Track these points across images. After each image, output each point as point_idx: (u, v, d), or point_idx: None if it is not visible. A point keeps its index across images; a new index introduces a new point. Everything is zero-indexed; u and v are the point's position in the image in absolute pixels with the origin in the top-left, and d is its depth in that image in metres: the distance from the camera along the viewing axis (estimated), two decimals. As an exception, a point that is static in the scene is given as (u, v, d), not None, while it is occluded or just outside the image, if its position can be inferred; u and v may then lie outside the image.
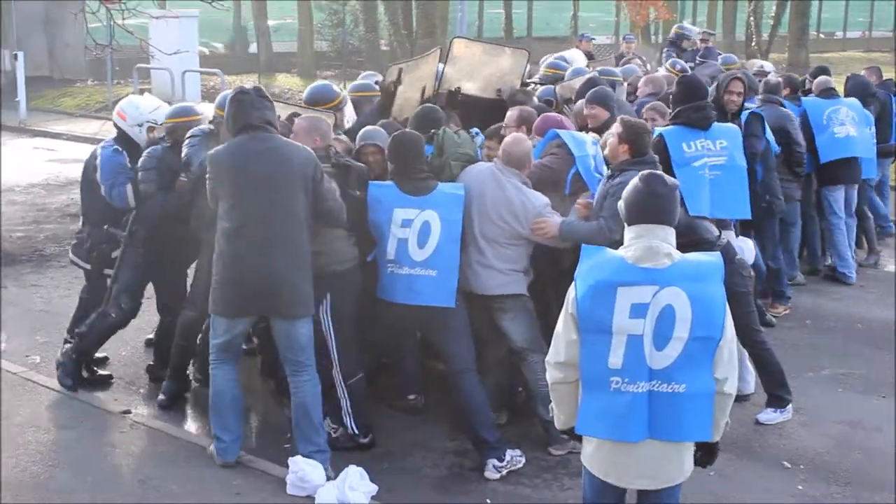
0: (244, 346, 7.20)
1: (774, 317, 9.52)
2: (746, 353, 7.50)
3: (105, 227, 7.74)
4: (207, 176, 6.32)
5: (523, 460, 6.65)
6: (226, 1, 10.78)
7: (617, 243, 4.68)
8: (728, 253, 7.06)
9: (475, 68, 8.75)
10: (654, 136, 7.30)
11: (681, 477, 4.55)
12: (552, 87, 9.63)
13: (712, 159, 7.63)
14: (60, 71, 28.08)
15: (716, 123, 7.84)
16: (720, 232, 7.27)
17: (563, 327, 4.49)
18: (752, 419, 7.37)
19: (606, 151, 6.75)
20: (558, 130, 7.28)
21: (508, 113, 7.63)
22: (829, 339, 9.25)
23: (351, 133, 7.69)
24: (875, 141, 11.03)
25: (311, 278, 6.29)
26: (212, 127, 7.37)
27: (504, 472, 6.55)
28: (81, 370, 7.69)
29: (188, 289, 7.65)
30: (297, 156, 6.24)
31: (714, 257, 4.55)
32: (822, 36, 42.47)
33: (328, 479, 6.10)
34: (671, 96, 8.36)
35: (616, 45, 24.87)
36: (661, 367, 4.35)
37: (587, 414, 4.47)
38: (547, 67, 10.76)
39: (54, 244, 12.17)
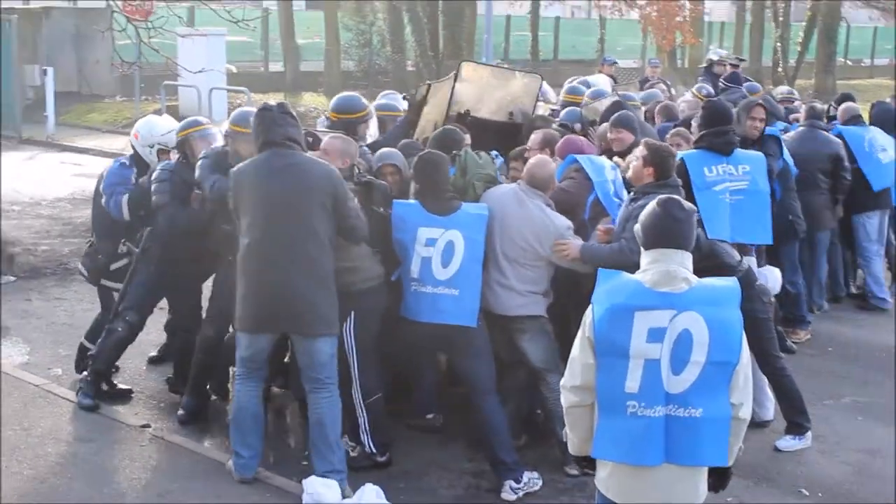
0: None
1: (795, 342, 9.48)
2: (766, 380, 7.48)
3: (122, 241, 7.81)
4: (230, 192, 6.35)
5: (540, 482, 6.64)
6: (252, 21, 10.81)
7: (638, 265, 4.70)
8: (749, 278, 7.05)
9: (485, 91, 8.76)
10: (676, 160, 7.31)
11: (696, 501, 4.54)
12: (576, 109, 9.65)
13: (734, 184, 7.64)
14: (89, 87, 28.31)
15: (739, 149, 7.84)
16: (741, 257, 7.27)
17: (580, 351, 4.50)
18: (770, 446, 7.33)
19: (630, 174, 6.77)
20: (576, 156, 7.30)
21: (532, 136, 7.66)
22: (851, 366, 9.20)
23: (372, 148, 7.74)
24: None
25: (334, 296, 6.29)
26: (225, 146, 7.40)
27: (521, 493, 6.54)
28: (100, 389, 7.72)
29: (202, 305, 7.70)
30: (318, 172, 6.26)
31: (731, 282, 4.56)
32: (849, 63, 42.43)
33: (344, 497, 6.10)
34: (696, 120, 8.36)
35: (642, 69, 24.88)
36: (678, 392, 4.36)
37: (603, 438, 4.47)
38: (566, 94, 10.78)
39: (79, 258, 12.17)
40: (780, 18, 35.57)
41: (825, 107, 10.90)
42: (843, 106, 11.02)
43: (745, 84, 13.26)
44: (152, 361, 8.64)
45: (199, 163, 7.29)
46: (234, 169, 6.37)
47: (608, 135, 8.21)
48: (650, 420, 4.36)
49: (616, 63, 17.28)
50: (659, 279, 4.42)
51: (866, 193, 10.49)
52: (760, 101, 9.36)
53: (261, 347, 6.40)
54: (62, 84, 25.26)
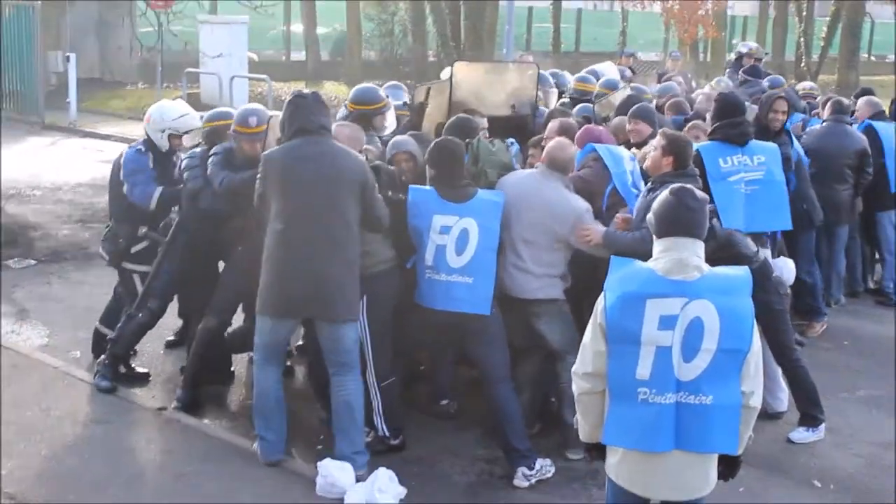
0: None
1: (810, 335, 9.49)
2: (780, 371, 7.50)
3: (143, 230, 7.87)
4: (259, 177, 6.38)
5: (553, 470, 6.68)
6: (270, 8, 10.86)
7: None
8: (765, 270, 7.07)
9: (482, 88, 8.75)
10: (691, 151, 7.33)
11: (706, 489, 4.57)
12: (588, 105, 9.66)
13: (749, 174, 7.65)
14: (111, 73, 28.49)
15: (754, 140, 7.85)
16: (758, 248, 7.27)
17: (591, 338, 4.53)
18: (783, 437, 7.35)
19: (647, 164, 6.78)
20: (595, 144, 7.32)
21: (550, 124, 7.70)
22: (867, 361, 9.19)
23: (385, 143, 7.78)
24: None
25: (358, 282, 6.36)
26: (231, 145, 7.46)
27: (533, 480, 6.58)
28: (118, 372, 7.79)
29: None
30: (350, 161, 6.32)
31: (742, 271, 4.58)
32: (873, 58, 42.21)
33: (358, 480, 6.16)
34: (710, 112, 8.37)
35: (664, 62, 24.84)
36: (689, 379, 4.38)
37: (614, 424, 4.50)
38: (577, 82, 10.78)
39: (99, 243, 12.30)
40: (804, 13, 35.43)
41: (851, 101, 10.85)
42: (865, 99, 10.98)
43: (768, 78, 13.23)
44: (169, 345, 8.72)
45: (210, 159, 7.36)
46: (266, 154, 6.40)
47: (626, 126, 8.22)
48: (661, 407, 4.38)
49: (634, 55, 17.25)
50: (671, 267, 4.44)
51: (889, 191, 10.47)
52: (782, 94, 9.36)
53: (282, 333, 6.47)
54: (85, 71, 25.42)
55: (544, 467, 6.65)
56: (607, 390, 4.49)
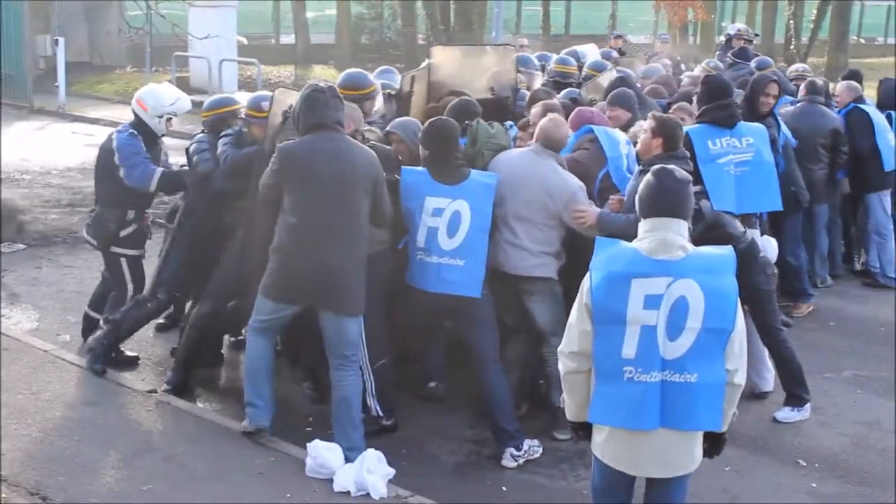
0: None
1: (796, 316, 9.56)
2: (767, 351, 7.56)
3: (131, 213, 7.89)
4: (272, 168, 6.38)
5: (540, 450, 6.74)
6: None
7: None
8: (752, 250, 7.12)
9: (461, 72, 8.77)
10: (679, 134, 7.36)
11: (691, 466, 4.62)
12: (575, 90, 9.68)
13: (738, 156, 7.70)
14: (100, 57, 28.37)
15: (742, 122, 7.89)
16: (745, 229, 7.32)
17: (577, 317, 4.57)
18: (769, 417, 7.43)
19: (638, 147, 6.83)
20: (593, 126, 7.36)
21: (533, 109, 7.72)
22: (852, 341, 9.27)
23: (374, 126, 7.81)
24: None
25: (364, 278, 6.42)
26: (243, 128, 7.51)
27: (521, 461, 6.65)
28: (111, 355, 7.82)
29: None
30: (364, 158, 6.37)
31: (726, 250, 4.62)
32: (862, 41, 42.15)
33: (347, 460, 6.20)
34: (696, 95, 8.41)
35: (653, 44, 24.82)
36: (674, 358, 4.43)
37: (600, 403, 4.54)
38: (557, 64, 10.76)
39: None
40: (794, -5, 35.40)
41: (825, 82, 10.91)
42: (845, 84, 10.97)
43: (755, 59, 13.26)
44: (159, 329, 8.74)
45: (221, 139, 7.42)
46: (283, 145, 6.40)
47: (606, 113, 8.24)
48: (647, 385, 4.43)
49: (623, 37, 17.25)
50: (656, 247, 4.48)
51: (881, 171, 10.53)
52: (775, 78, 9.41)
53: (282, 317, 6.52)
54: (73, 54, 25.31)
55: (532, 448, 6.71)
56: (593, 369, 4.54)
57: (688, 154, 6.86)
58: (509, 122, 7.82)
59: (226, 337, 8.35)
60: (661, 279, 4.41)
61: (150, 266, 8.06)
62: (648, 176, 4.67)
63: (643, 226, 4.60)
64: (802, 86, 10.57)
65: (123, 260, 7.95)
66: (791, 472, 6.73)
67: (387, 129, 7.37)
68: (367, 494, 5.98)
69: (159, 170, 7.79)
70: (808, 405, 7.48)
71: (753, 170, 7.75)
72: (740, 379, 4.52)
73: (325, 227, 6.24)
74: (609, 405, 4.52)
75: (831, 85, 11.28)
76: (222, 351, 8.23)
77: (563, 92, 9.50)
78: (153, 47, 23.31)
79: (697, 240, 4.68)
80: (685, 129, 7.68)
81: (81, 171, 15.84)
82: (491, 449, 6.79)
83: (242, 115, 7.64)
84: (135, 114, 7.98)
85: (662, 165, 4.76)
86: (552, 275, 6.86)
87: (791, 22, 33.88)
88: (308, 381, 7.61)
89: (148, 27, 11.16)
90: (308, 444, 6.31)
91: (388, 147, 7.07)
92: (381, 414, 6.92)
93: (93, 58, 28.45)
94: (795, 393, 7.46)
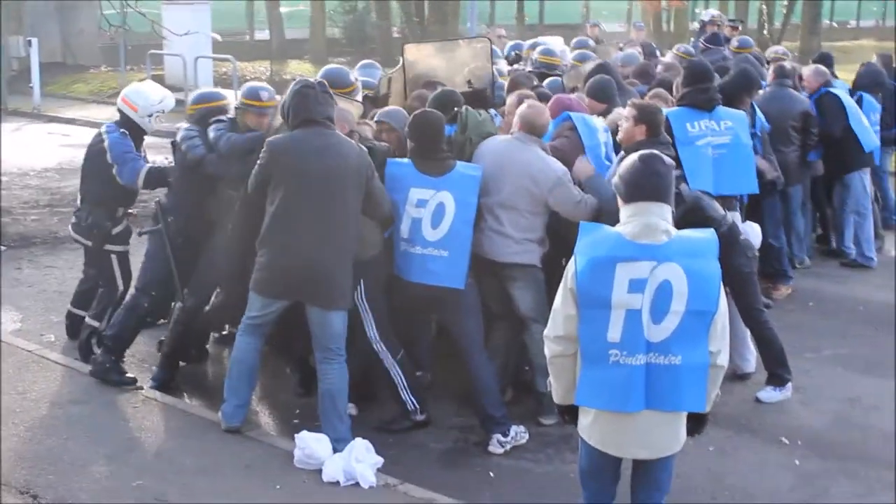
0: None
1: (776, 298, 9.65)
2: (748, 333, 7.64)
3: (121, 211, 7.92)
4: (260, 161, 6.39)
5: (527, 436, 6.80)
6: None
7: None
8: (733, 233, 7.18)
9: (436, 67, 8.80)
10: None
11: (676, 446, 4.67)
12: (558, 79, 9.72)
13: (716, 139, 7.80)
14: (74, 57, 28.24)
15: (721, 107, 7.97)
16: (726, 212, 7.38)
17: (562, 302, 4.60)
18: (752, 397, 7.50)
19: (621, 136, 6.88)
20: (571, 113, 7.41)
21: (509, 99, 7.76)
22: (831, 320, 9.37)
23: None
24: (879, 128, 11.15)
25: (351, 272, 6.46)
26: (233, 116, 7.51)
27: (508, 447, 6.69)
28: (121, 362, 7.70)
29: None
30: (353, 154, 6.40)
31: (709, 234, 4.67)
32: (835, 25, 42.41)
33: (335, 451, 6.24)
34: (678, 79, 8.46)
35: (628, 32, 24.91)
36: (659, 340, 4.47)
37: (586, 386, 4.58)
38: (541, 55, 10.77)
39: (68, 227, 12.22)
40: (766, -20, 35.54)
41: (793, 66, 11.01)
42: (812, 69, 11.01)
43: (737, 38, 13.33)
44: (145, 325, 8.72)
45: (213, 126, 7.39)
46: (271, 140, 6.41)
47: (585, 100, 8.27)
48: (632, 368, 4.47)
49: (598, 26, 17.30)
50: (640, 231, 4.51)
51: (861, 152, 10.62)
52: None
53: (272, 312, 6.54)
54: (46, 55, 25.18)
55: (518, 433, 6.76)
56: (579, 353, 4.58)
57: (670, 140, 6.92)
58: (493, 111, 7.85)
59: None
60: (645, 263, 4.45)
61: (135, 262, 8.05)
62: (634, 160, 4.68)
63: (627, 210, 4.61)
64: (771, 70, 10.66)
65: (113, 257, 7.99)
66: (774, 450, 6.81)
67: (375, 118, 7.37)
68: (357, 484, 6.02)
69: (147, 166, 7.82)
70: (789, 385, 7.56)
71: (731, 153, 7.84)
72: (723, 360, 4.57)
73: (313, 222, 6.26)
74: (595, 388, 4.56)
75: (803, 69, 11.34)
76: (207, 346, 8.24)
77: (547, 81, 9.53)
78: (127, 46, 23.22)
79: (678, 223, 4.71)
80: (665, 111, 7.76)
81: (59, 172, 15.82)
82: (478, 436, 6.84)
83: (229, 111, 7.61)
84: (122, 113, 7.99)
85: (649, 150, 4.80)
86: (535, 262, 6.90)
87: (764, 7, 34.00)
88: (296, 372, 7.63)
89: (125, 25, 11.13)
90: (296, 436, 6.35)
91: (386, 144, 7.07)
92: (416, 407, 6.92)
93: (66, 58, 28.33)
94: (777, 373, 7.54)
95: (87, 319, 8.08)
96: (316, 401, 6.69)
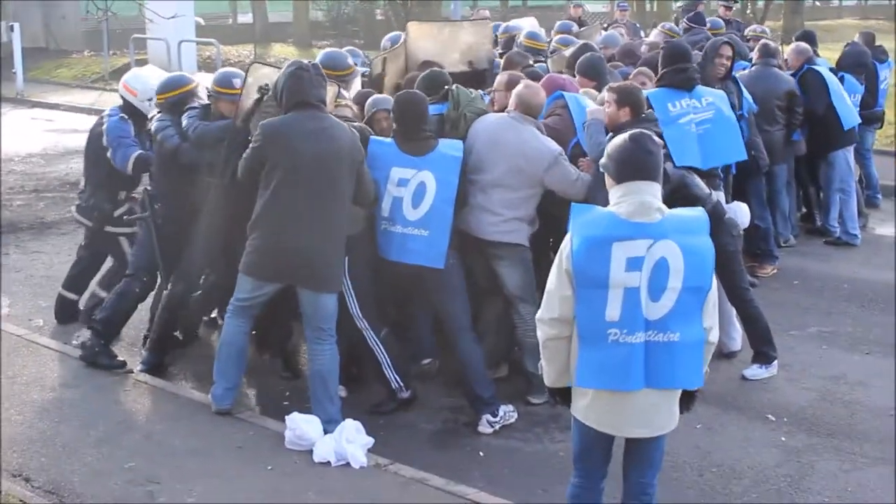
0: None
1: (761, 276, 9.72)
2: (734, 311, 7.70)
3: (122, 194, 8.02)
4: (254, 145, 6.39)
5: (516, 415, 6.84)
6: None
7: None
8: (718, 211, 7.21)
9: (438, 46, 8.83)
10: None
11: (673, 424, 4.69)
12: (542, 65, 9.73)
13: (699, 115, 7.81)
14: (56, 42, 28.13)
15: (701, 86, 8.01)
16: (711, 191, 7.42)
17: (557, 283, 4.57)
18: (738, 375, 7.57)
19: (606, 121, 6.88)
20: (563, 92, 7.44)
21: (498, 77, 7.78)
22: (816, 298, 9.44)
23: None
24: (860, 108, 11.21)
25: (343, 255, 6.50)
26: (207, 101, 7.50)
27: (497, 426, 6.74)
28: (108, 351, 7.70)
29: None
30: (347, 137, 6.41)
31: (699, 212, 4.71)
32: (818, 3, 42.52)
33: (325, 433, 6.29)
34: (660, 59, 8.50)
35: (612, 13, 24.91)
36: (657, 318, 4.47)
37: (585, 367, 4.54)
38: (527, 39, 10.75)
39: (54, 212, 12.34)
40: (749, -41, 35.57)
41: (776, 45, 11.07)
42: (794, 47, 11.08)
43: (709, 20, 13.37)
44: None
45: (186, 113, 7.39)
46: (265, 123, 6.39)
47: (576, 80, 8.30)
48: (632, 346, 4.47)
49: (581, 6, 17.30)
50: (634, 210, 4.51)
51: (842, 131, 10.69)
52: (728, 40, 9.50)
53: (262, 294, 6.56)
54: (29, 40, 25.09)
55: (507, 413, 6.81)
56: (576, 335, 4.55)
57: (655, 116, 6.96)
58: (482, 91, 7.87)
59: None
60: (641, 241, 4.45)
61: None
62: (624, 140, 4.67)
63: (618, 190, 4.60)
64: (756, 49, 10.71)
65: (122, 238, 8.16)
66: (760, 426, 6.88)
67: (373, 110, 7.32)
68: (348, 464, 6.07)
69: (136, 152, 7.86)
70: (775, 362, 7.63)
71: (715, 126, 7.86)
72: (714, 337, 4.61)
73: (306, 206, 6.27)
74: (594, 368, 4.53)
75: (785, 48, 11.40)
76: (197, 331, 8.28)
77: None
78: (110, 30, 23.12)
79: (663, 201, 4.75)
80: (645, 93, 7.79)
81: (44, 157, 15.79)
82: (467, 416, 6.89)
83: (200, 94, 7.61)
84: (123, 99, 8.07)
85: (639, 130, 4.82)
86: (522, 241, 6.92)
87: (747, -14, 34.06)
88: (279, 359, 7.66)
89: (108, 9, 11.09)
90: (287, 417, 6.39)
91: (366, 126, 7.07)
92: (400, 384, 6.96)
93: (49, 43, 28.24)
94: (763, 351, 7.61)
95: (95, 289, 8.29)
96: (305, 383, 6.73)
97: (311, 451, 6.17)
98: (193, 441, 6.41)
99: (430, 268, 6.69)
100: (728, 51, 9.03)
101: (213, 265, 7.40)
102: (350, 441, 6.17)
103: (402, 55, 8.58)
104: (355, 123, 6.97)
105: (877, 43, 12.38)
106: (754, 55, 10.65)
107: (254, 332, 7.25)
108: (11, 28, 22.50)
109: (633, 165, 4.60)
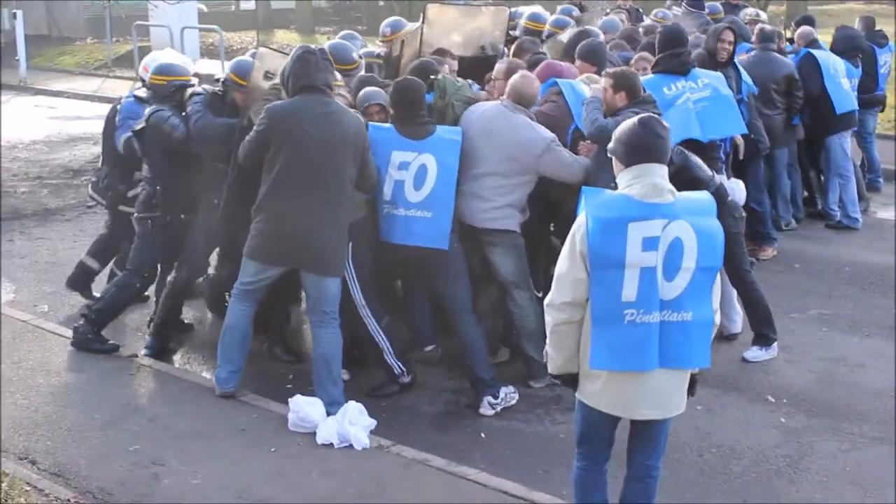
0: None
1: (762, 259, 9.75)
2: (735, 293, 7.73)
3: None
4: (258, 128, 6.41)
5: (517, 397, 6.88)
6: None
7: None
8: (721, 194, 7.23)
9: (453, 30, 8.84)
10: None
11: (683, 406, 4.71)
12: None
13: (696, 94, 7.85)
14: (59, 29, 28.15)
15: (697, 69, 8.04)
16: (713, 173, 7.44)
17: (569, 266, 4.55)
18: (738, 357, 7.61)
19: (603, 107, 6.90)
20: (558, 79, 7.45)
21: (497, 65, 7.79)
22: (817, 281, 9.47)
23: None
24: (858, 92, 11.23)
25: (346, 239, 6.54)
26: (215, 89, 7.51)
27: (498, 408, 6.78)
28: (99, 337, 7.73)
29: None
30: (352, 123, 6.46)
31: (706, 194, 4.78)
32: (821, -13, 42.28)
33: (328, 415, 6.34)
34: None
35: (613, -2, 24.82)
36: (671, 298, 4.50)
37: (600, 348, 4.54)
38: (527, 20, 10.73)
39: (58, 199, 12.40)
40: (752, -57, 35.42)
41: (773, 29, 11.09)
42: (803, 30, 11.18)
43: (707, 5, 13.38)
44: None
45: (192, 98, 7.41)
46: (270, 107, 6.41)
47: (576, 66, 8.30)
48: (648, 326, 4.48)
49: (585, -8, 17.23)
50: (647, 192, 4.52)
51: (841, 115, 10.70)
52: (730, 25, 9.52)
53: (267, 278, 6.61)
54: (32, 27, 25.13)
55: (508, 395, 6.85)
56: (590, 317, 4.55)
57: (654, 98, 6.97)
58: (469, 80, 7.89)
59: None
60: (657, 221, 4.47)
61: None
62: (633, 124, 4.68)
63: (629, 173, 4.61)
64: (754, 34, 10.73)
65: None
66: (761, 408, 6.92)
67: (366, 104, 7.32)
68: (350, 446, 6.12)
69: (127, 133, 7.87)
70: (775, 344, 7.67)
71: (713, 103, 7.90)
72: (718, 316, 4.68)
73: (310, 190, 6.30)
74: (611, 350, 4.53)
75: (787, 31, 11.43)
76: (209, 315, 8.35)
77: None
78: (112, 17, 23.15)
79: (668, 183, 4.79)
80: (642, 79, 7.82)
81: (47, 144, 15.84)
82: (469, 398, 6.93)
83: (224, 80, 7.53)
84: (143, 81, 8.15)
85: (649, 114, 4.83)
86: (514, 228, 6.94)
87: (750, -29, 33.93)
88: (277, 345, 7.70)
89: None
90: (290, 399, 6.44)
91: (358, 115, 7.09)
92: (402, 370, 7.01)
93: (51, 30, 28.26)
94: (763, 333, 7.65)
95: (85, 258, 8.58)
96: (308, 366, 6.77)
97: (314, 433, 6.22)
98: (197, 424, 6.46)
99: (434, 251, 6.73)
100: (730, 35, 9.05)
101: (225, 254, 7.46)
102: (353, 423, 6.22)
103: (417, 37, 8.61)
104: (351, 111, 7.01)
105: (877, 27, 12.38)
106: (753, 39, 10.66)
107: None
108: (14, 15, 22.53)
109: (643, 148, 4.62)
